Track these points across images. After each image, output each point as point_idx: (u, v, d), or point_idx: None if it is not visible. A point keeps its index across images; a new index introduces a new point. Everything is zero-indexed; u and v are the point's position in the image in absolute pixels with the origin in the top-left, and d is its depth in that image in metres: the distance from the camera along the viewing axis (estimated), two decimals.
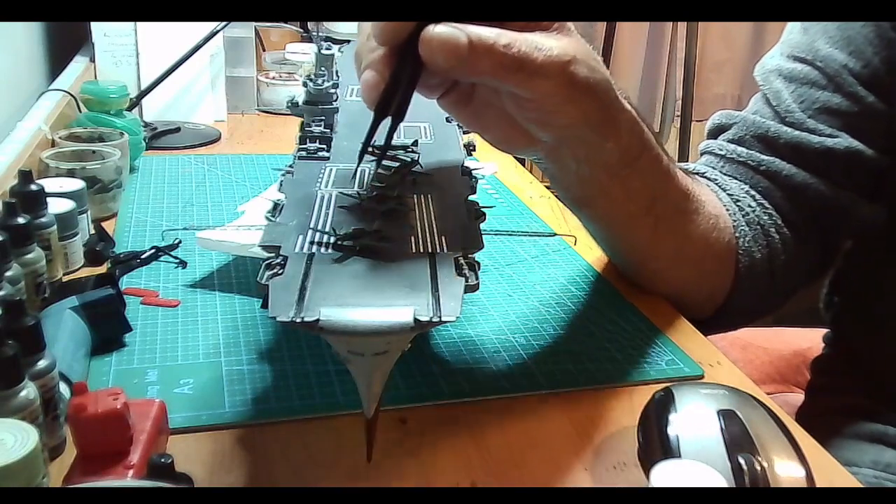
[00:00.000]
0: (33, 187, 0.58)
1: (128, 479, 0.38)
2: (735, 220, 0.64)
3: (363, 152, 0.43)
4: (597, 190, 0.55)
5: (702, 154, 0.71)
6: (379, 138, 0.43)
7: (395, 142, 0.53)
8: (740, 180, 0.66)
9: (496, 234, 0.76)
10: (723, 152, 0.67)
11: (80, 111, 0.90)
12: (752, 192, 0.65)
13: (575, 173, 0.53)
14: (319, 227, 0.42)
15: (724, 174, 0.67)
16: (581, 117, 0.47)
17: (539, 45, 0.42)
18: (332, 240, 0.40)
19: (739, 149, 0.66)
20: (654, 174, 0.55)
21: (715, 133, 0.70)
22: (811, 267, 0.68)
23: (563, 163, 0.52)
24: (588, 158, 0.51)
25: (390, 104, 0.41)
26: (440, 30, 0.39)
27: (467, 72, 0.41)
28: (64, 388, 0.44)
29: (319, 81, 0.58)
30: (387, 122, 0.43)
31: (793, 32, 0.68)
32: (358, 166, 0.44)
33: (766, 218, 0.64)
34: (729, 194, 0.65)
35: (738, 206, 0.64)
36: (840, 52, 0.63)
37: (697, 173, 0.67)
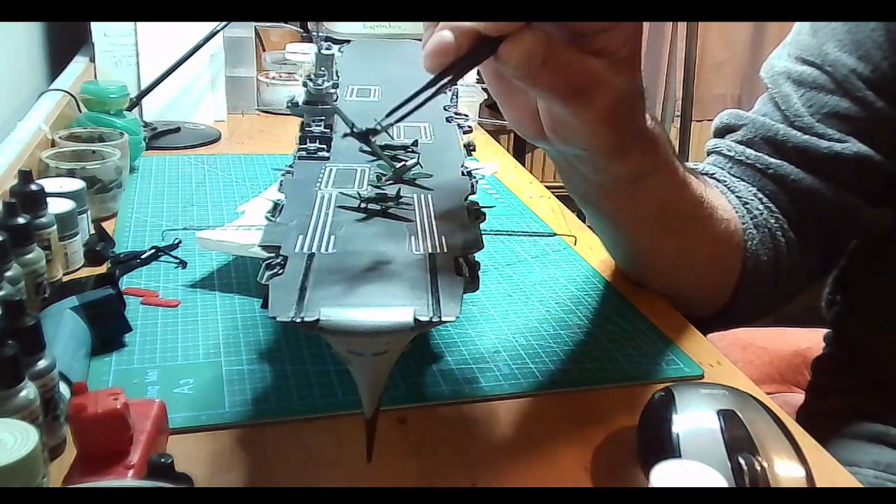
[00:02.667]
0: (33, 187, 0.58)
1: (128, 479, 0.38)
2: (744, 223, 0.64)
3: (398, 114, 0.41)
4: (603, 195, 0.55)
5: (709, 153, 0.71)
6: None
7: (395, 142, 0.53)
8: (748, 182, 0.66)
9: (496, 234, 0.75)
10: (731, 153, 0.67)
11: (80, 111, 0.90)
12: (760, 195, 0.65)
13: (582, 176, 0.53)
14: (320, 226, 0.42)
15: (732, 175, 0.67)
16: (599, 146, 0.48)
17: (599, 78, 0.43)
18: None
19: (748, 151, 0.66)
20: (666, 188, 0.56)
21: (722, 132, 0.70)
22: (815, 270, 0.68)
23: (569, 163, 0.53)
24: (596, 171, 0.52)
25: (450, 73, 0.40)
26: (530, 40, 0.39)
27: (530, 82, 0.42)
28: (64, 388, 0.44)
29: (319, 81, 0.58)
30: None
31: (801, 33, 0.67)
32: (398, 119, 0.40)
33: (772, 221, 0.64)
34: (738, 196, 0.65)
35: (746, 208, 0.64)
36: (849, 57, 0.62)
37: (706, 174, 0.67)
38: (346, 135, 0.39)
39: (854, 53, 0.62)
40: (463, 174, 0.52)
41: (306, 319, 0.33)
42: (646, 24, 2.55)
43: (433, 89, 0.41)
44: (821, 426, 0.61)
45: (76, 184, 0.68)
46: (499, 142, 1.12)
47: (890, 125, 0.62)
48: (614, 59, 0.44)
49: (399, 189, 0.46)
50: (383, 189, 0.47)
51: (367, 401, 0.38)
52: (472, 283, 0.38)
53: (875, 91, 0.62)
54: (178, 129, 1.01)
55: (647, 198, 0.55)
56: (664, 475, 0.35)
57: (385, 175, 0.48)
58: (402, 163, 0.49)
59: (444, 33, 0.39)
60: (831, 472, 0.46)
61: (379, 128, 0.41)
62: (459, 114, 0.62)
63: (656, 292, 0.65)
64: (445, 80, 0.40)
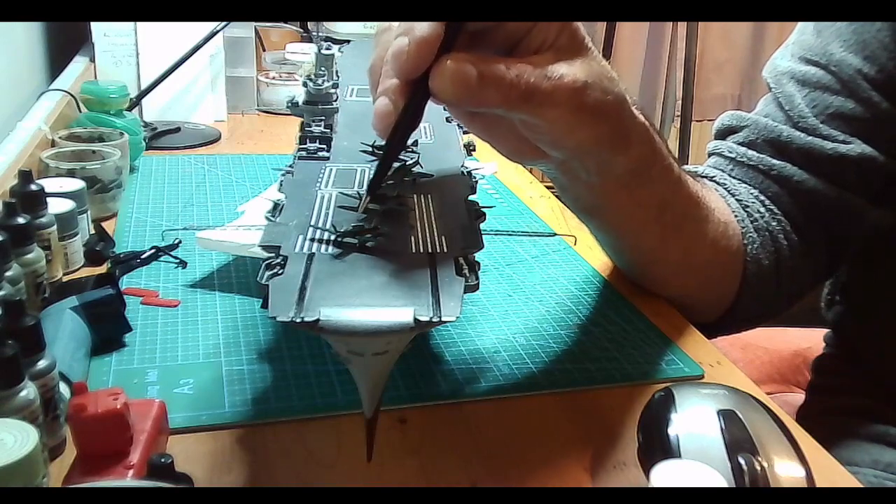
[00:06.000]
0: (33, 187, 0.58)
1: (128, 479, 0.38)
2: (744, 227, 0.63)
3: (375, 187, 0.43)
4: (606, 199, 0.55)
5: (710, 155, 0.70)
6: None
7: None
8: (749, 184, 0.66)
9: (496, 234, 0.76)
10: (732, 155, 0.67)
11: (80, 111, 0.90)
12: (762, 197, 0.65)
13: (584, 183, 0.53)
14: (319, 226, 0.42)
15: (733, 177, 0.67)
16: (592, 139, 0.47)
17: (549, 73, 0.42)
18: (333, 237, 0.40)
19: (750, 152, 0.66)
20: (665, 184, 0.55)
21: (723, 134, 0.70)
22: (817, 272, 0.68)
23: (573, 174, 0.52)
24: (599, 170, 0.51)
25: (401, 133, 0.42)
26: (451, 64, 0.40)
27: (476, 103, 0.41)
28: (64, 388, 0.44)
29: (319, 81, 0.58)
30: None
31: (805, 34, 0.67)
32: (366, 199, 0.43)
33: (774, 224, 0.64)
34: (738, 199, 0.65)
35: (746, 211, 0.64)
36: (854, 57, 0.62)
37: (706, 177, 0.67)
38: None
39: (859, 53, 0.62)
40: (463, 174, 0.52)
41: (306, 319, 0.33)
42: (646, 25, 2.55)
43: (398, 148, 0.43)
44: (821, 426, 0.61)
45: (76, 184, 0.68)
46: None
47: (894, 126, 0.62)
48: (558, 50, 0.43)
49: (397, 191, 0.46)
50: (383, 189, 0.47)
51: (367, 401, 0.38)
52: (472, 283, 0.38)
53: (880, 92, 0.61)
54: (178, 129, 1.01)
55: (647, 195, 0.55)
56: (664, 475, 0.35)
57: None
58: (402, 163, 0.49)
59: (379, 101, 0.41)
60: (831, 472, 0.46)
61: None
62: None
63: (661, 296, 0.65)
64: (402, 135, 0.42)
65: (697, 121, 2.43)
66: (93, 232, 0.68)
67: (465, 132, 0.59)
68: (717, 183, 0.66)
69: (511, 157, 0.51)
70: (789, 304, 0.69)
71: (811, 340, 0.90)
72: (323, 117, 0.57)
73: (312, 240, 0.40)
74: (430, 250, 0.41)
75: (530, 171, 0.99)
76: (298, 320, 0.33)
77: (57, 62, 1.11)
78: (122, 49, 1.03)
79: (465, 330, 0.58)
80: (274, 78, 1.18)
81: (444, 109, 0.62)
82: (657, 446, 0.43)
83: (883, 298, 0.71)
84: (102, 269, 0.64)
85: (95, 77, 1.03)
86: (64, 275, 0.62)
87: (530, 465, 0.45)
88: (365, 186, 0.48)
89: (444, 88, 0.40)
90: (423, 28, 0.40)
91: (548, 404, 0.51)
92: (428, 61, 0.40)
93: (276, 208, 0.44)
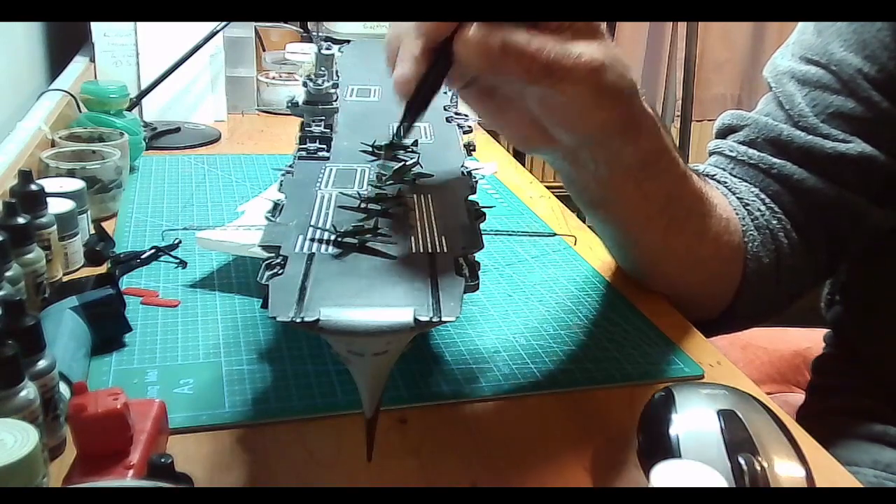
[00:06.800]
0: (33, 187, 0.58)
1: (128, 479, 0.38)
2: (744, 225, 0.64)
3: (401, 131, 0.44)
4: (613, 191, 0.55)
5: (710, 154, 0.70)
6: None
7: (395, 142, 0.53)
8: (750, 183, 0.66)
9: (496, 234, 0.76)
10: (733, 154, 0.67)
11: (80, 111, 0.90)
12: (762, 196, 0.65)
13: (592, 175, 0.53)
14: (319, 226, 0.42)
15: (734, 176, 0.67)
16: (606, 122, 0.47)
17: (569, 50, 0.43)
18: (333, 237, 0.40)
19: (751, 151, 0.66)
20: (671, 177, 0.56)
21: (724, 133, 0.70)
22: (817, 271, 0.68)
23: (581, 164, 0.53)
24: (608, 161, 0.51)
25: (421, 99, 0.43)
26: (475, 31, 0.40)
27: (498, 72, 0.42)
28: (64, 388, 0.44)
29: (319, 81, 0.58)
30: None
31: (805, 33, 0.67)
32: (403, 133, 0.44)
33: (774, 222, 0.64)
34: (738, 198, 0.65)
35: (747, 209, 0.64)
36: (855, 56, 0.62)
37: (707, 175, 0.67)
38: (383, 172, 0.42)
39: (860, 53, 0.62)
40: (463, 174, 0.52)
41: (306, 319, 0.33)
42: (646, 25, 2.55)
43: (419, 110, 0.44)
44: (821, 426, 0.61)
45: (76, 184, 0.68)
46: (499, 142, 1.12)
47: (894, 126, 0.62)
48: (576, 31, 0.44)
49: (398, 189, 0.46)
50: (383, 189, 0.47)
51: (367, 401, 0.38)
52: (472, 283, 0.38)
53: (881, 91, 0.61)
54: (178, 129, 1.01)
55: (654, 188, 0.55)
56: (664, 475, 0.35)
57: (385, 175, 0.49)
58: (402, 163, 0.49)
59: (399, 66, 0.42)
60: (831, 472, 0.46)
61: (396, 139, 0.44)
62: (459, 114, 0.62)
63: (657, 292, 0.65)
64: (424, 98, 0.43)
65: (697, 121, 2.43)
66: (93, 232, 0.68)
67: (465, 132, 0.59)
68: (718, 181, 0.66)
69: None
70: (789, 302, 0.69)
71: (811, 340, 0.90)
72: (323, 117, 0.57)
73: (312, 240, 0.41)
74: (430, 250, 0.41)
75: (531, 171, 0.99)
76: (298, 320, 0.33)
77: (57, 62, 1.11)
78: (122, 49, 1.03)
79: (465, 330, 0.58)
80: (274, 78, 1.18)
81: (445, 109, 0.62)
82: (657, 446, 0.43)
83: (883, 298, 0.71)
84: (102, 269, 0.64)
85: (95, 77, 1.03)
86: (64, 275, 0.62)
87: (530, 465, 0.45)
88: (365, 186, 0.48)
89: (468, 54, 0.40)
90: None
91: (548, 404, 0.51)
92: (451, 26, 0.40)
93: (276, 208, 0.44)
